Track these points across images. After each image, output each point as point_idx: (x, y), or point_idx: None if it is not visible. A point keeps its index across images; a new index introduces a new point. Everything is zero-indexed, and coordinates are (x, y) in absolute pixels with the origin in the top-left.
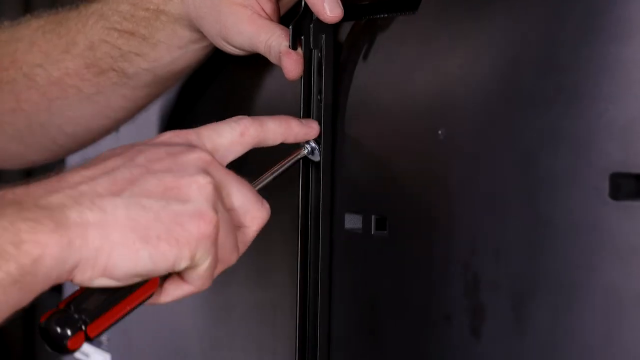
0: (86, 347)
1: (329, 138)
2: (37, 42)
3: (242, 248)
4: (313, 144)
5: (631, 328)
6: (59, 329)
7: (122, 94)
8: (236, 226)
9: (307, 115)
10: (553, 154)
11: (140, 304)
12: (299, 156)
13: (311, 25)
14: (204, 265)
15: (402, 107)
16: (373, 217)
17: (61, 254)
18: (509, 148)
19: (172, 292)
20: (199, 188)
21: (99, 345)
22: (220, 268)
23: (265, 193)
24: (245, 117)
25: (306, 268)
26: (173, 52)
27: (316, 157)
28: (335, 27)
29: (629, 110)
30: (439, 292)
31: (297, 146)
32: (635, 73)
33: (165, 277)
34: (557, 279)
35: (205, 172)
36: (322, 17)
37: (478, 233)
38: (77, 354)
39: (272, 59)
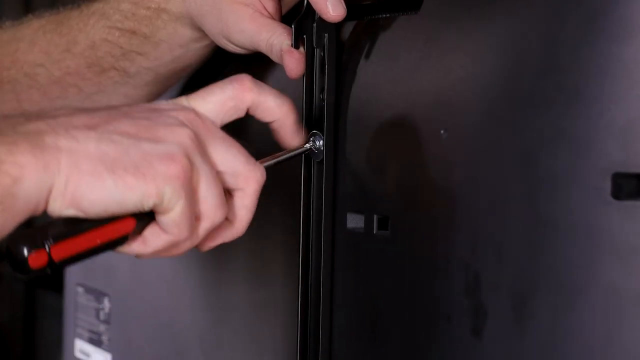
0: (86, 347)
1: (331, 137)
2: (38, 41)
3: (245, 213)
4: (318, 142)
5: (631, 328)
6: (21, 246)
7: (123, 93)
8: (232, 189)
9: (309, 114)
10: (554, 154)
11: (112, 244)
12: (301, 149)
13: (314, 24)
14: (176, 210)
15: (404, 107)
16: (375, 216)
17: (38, 176)
18: (510, 148)
19: (152, 241)
20: (173, 133)
21: (99, 345)
22: (207, 224)
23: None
24: (245, 77)
25: (308, 267)
26: (174, 50)
27: (318, 156)
28: (338, 26)
29: (629, 110)
30: (439, 292)
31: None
32: (636, 73)
33: (143, 226)
34: (558, 279)
35: (186, 125)
36: (324, 16)
37: (479, 233)
38: (77, 354)
39: (274, 57)
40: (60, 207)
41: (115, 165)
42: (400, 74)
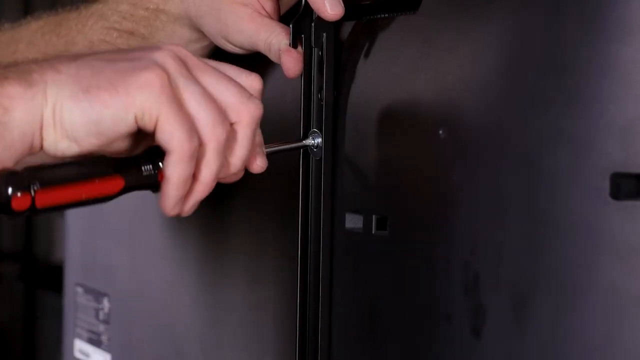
0: (86, 347)
1: (330, 137)
2: (36, 42)
3: (239, 150)
4: (316, 140)
5: (631, 328)
6: (6, 185)
7: None
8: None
9: (307, 113)
10: (553, 154)
11: (100, 198)
12: (299, 144)
13: (312, 24)
14: (163, 119)
15: (402, 106)
16: (374, 216)
17: (28, 107)
18: (510, 148)
19: (168, 170)
20: (152, 52)
21: (98, 345)
22: (212, 145)
23: (265, 192)
24: (259, 81)
25: (307, 268)
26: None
27: (317, 155)
28: (337, 25)
29: (629, 110)
30: (439, 292)
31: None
32: (636, 73)
33: (136, 180)
34: (557, 279)
35: (170, 50)
36: (322, 15)
37: (478, 233)
38: (77, 354)
39: (272, 57)
40: (54, 141)
41: (89, 85)
42: (399, 74)
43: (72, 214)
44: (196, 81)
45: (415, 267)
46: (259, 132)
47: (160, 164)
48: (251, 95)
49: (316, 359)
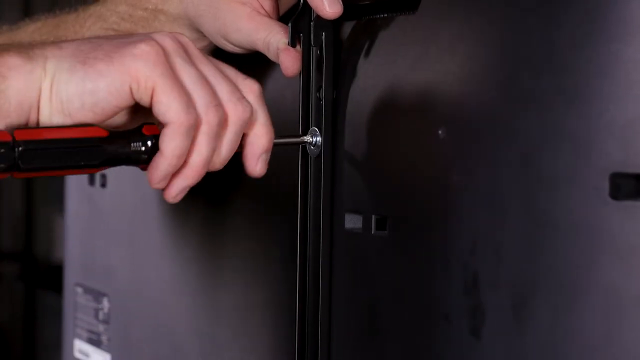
0: (85, 347)
1: (329, 137)
2: None
3: (222, 150)
4: (315, 139)
5: (631, 328)
6: None
7: None
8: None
9: (306, 112)
10: (553, 154)
11: (83, 151)
12: (297, 139)
13: (311, 22)
14: (158, 90)
15: (401, 106)
16: (373, 217)
17: (26, 78)
18: (509, 148)
19: (164, 142)
20: (153, 33)
21: (98, 345)
22: (205, 128)
23: (265, 193)
24: (257, 87)
25: (306, 268)
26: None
27: (315, 153)
28: (336, 24)
29: (629, 110)
30: (438, 292)
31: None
32: (636, 73)
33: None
34: (557, 279)
35: (171, 34)
36: (321, 13)
37: (478, 233)
38: (76, 354)
39: (271, 56)
40: (50, 114)
41: (87, 56)
42: (399, 74)
43: (72, 214)
44: (193, 64)
45: (414, 267)
46: (268, 138)
47: (149, 142)
48: (243, 97)
49: (316, 359)
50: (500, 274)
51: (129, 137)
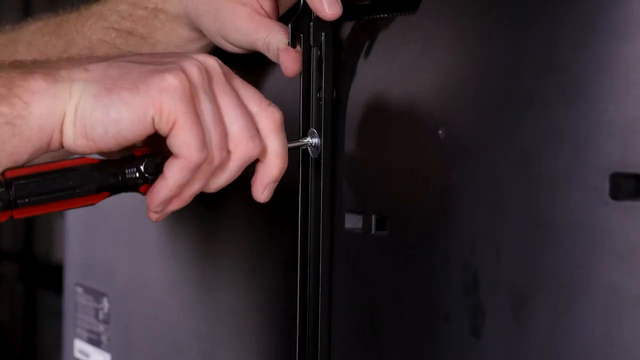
0: (85, 347)
1: (329, 137)
2: (36, 43)
3: (220, 180)
4: (315, 140)
5: (631, 328)
6: None
7: None
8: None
9: (306, 113)
10: (553, 154)
11: (78, 207)
12: (299, 143)
13: (311, 23)
14: (179, 124)
15: (402, 106)
16: (373, 217)
17: (49, 102)
18: (509, 148)
19: (169, 171)
20: (181, 59)
21: (98, 345)
22: (203, 168)
23: None
24: (279, 116)
25: (306, 268)
26: (172, 51)
27: (315, 154)
28: (336, 24)
29: (629, 110)
30: (438, 292)
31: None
32: (636, 73)
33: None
34: (557, 279)
35: (200, 61)
36: (320, 15)
37: (478, 233)
38: (76, 354)
39: (271, 56)
40: (73, 139)
41: (114, 84)
42: (399, 74)
43: (72, 214)
44: (213, 99)
45: (414, 267)
46: (280, 169)
47: (142, 167)
48: (257, 134)
49: (316, 359)
50: (500, 274)
51: (122, 162)
